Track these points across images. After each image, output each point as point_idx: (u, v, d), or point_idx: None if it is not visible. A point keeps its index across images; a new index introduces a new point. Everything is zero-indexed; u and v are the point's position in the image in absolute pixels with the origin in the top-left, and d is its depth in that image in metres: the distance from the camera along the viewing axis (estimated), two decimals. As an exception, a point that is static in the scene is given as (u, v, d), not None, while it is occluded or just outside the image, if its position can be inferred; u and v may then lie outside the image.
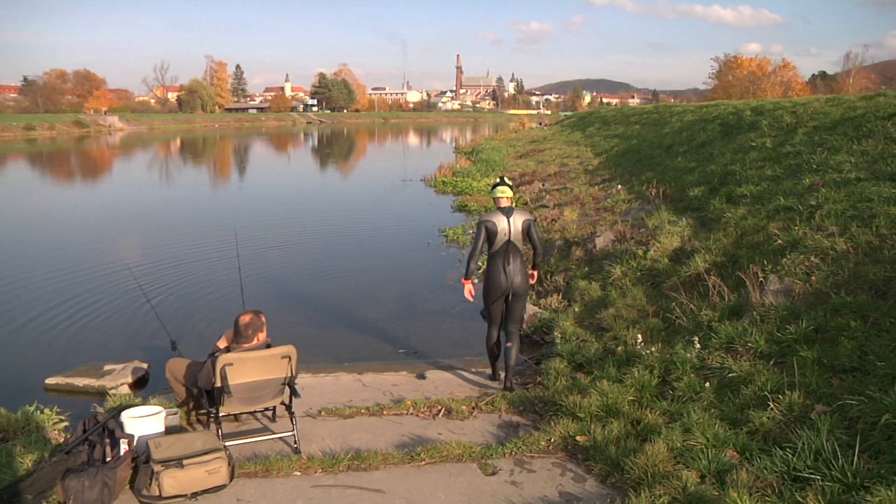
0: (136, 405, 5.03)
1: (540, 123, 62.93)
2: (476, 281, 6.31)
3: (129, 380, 6.54)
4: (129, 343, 7.82)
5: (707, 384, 4.95)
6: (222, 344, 4.91)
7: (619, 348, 6.02)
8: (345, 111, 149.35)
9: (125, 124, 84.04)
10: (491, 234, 5.93)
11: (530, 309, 7.89)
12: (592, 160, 20.86)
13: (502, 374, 6.17)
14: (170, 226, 15.78)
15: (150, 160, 39.62)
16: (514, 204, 6.16)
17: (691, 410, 4.60)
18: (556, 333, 6.97)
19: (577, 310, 7.64)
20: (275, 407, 5.14)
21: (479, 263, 8.44)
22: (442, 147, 52.16)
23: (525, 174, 21.60)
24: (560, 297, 8.31)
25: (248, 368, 4.56)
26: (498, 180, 6.11)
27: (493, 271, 5.98)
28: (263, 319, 4.86)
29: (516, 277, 5.94)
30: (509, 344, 6.05)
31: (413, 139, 70.74)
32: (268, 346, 4.79)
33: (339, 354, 7.45)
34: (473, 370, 6.73)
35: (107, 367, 6.79)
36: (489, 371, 6.52)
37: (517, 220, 5.95)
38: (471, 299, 6.28)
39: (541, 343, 7.32)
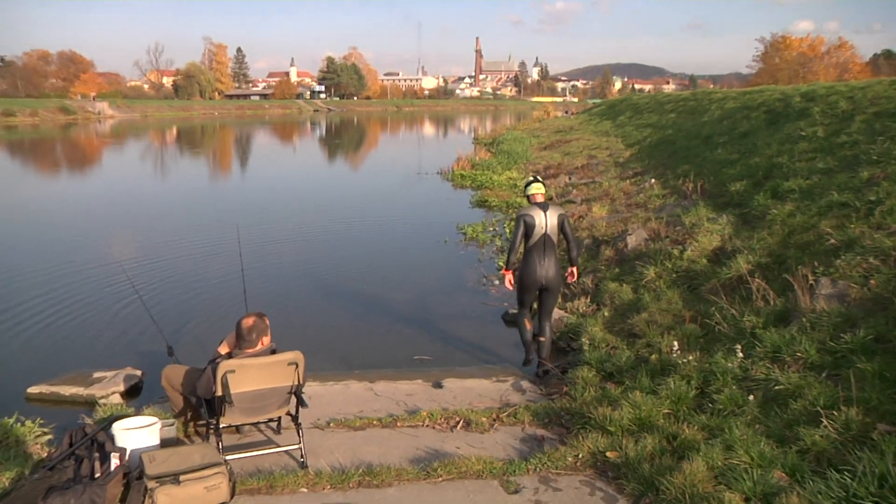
0: (129, 416, 5.05)
1: (566, 112, 62.69)
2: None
3: (121, 388, 6.54)
4: (122, 348, 7.87)
5: (751, 397, 4.89)
6: (223, 349, 4.92)
7: (653, 356, 5.99)
8: (355, 98, 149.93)
9: (116, 111, 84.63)
10: (529, 228, 6.67)
11: (556, 313, 7.88)
12: (623, 152, 20.75)
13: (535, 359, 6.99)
14: (166, 221, 15.91)
15: (143, 150, 40.01)
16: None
17: (733, 426, 4.55)
18: (583, 340, 6.97)
19: (606, 314, 7.63)
20: (280, 418, 5.15)
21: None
22: (460, 137, 52.19)
23: (550, 167, 21.52)
24: (588, 300, 8.30)
25: (252, 376, 4.57)
26: (531, 178, 6.97)
27: (530, 264, 6.77)
28: (267, 322, 4.87)
29: (550, 271, 6.75)
30: (542, 338, 6.91)
31: (428, 129, 70.84)
32: (273, 351, 4.80)
33: (349, 361, 7.47)
34: (495, 379, 6.72)
35: (96, 375, 6.78)
36: (511, 380, 6.61)
37: (553, 215, 6.73)
38: (510, 288, 7.13)
39: (567, 350, 7.31)
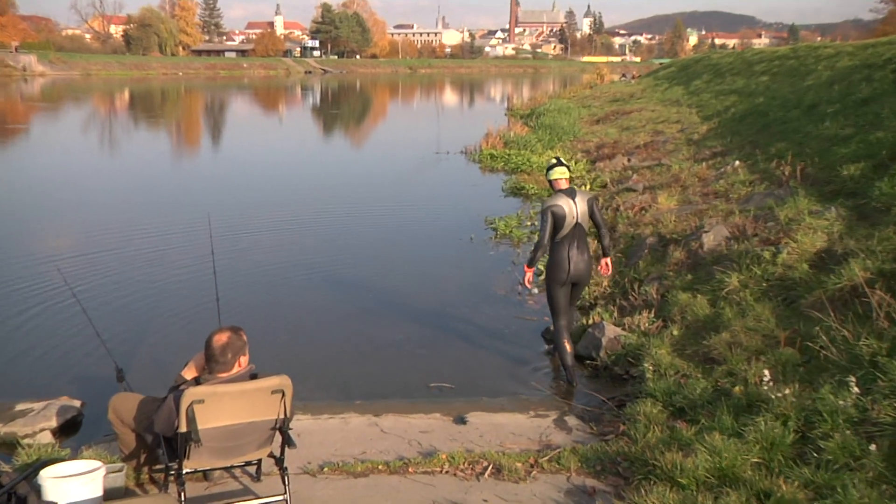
0: (62, 460, 5.02)
1: (625, 75, 62.44)
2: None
3: (54, 423, 6.51)
4: (55, 371, 7.89)
5: (872, 446, 4.81)
6: (189, 373, 4.92)
7: (737, 388, 5.95)
8: (357, 57, 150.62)
9: (48, 67, 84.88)
10: (559, 220, 7.19)
11: (610, 331, 7.91)
12: (699, 126, 20.61)
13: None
14: (115, 209, 16.07)
15: (85, 119, 40.40)
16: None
17: (849, 484, 4.48)
18: (646, 365, 6.94)
19: (675, 333, 7.59)
20: (260, 460, 5.15)
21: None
22: (490, 108, 52.19)
23: (603, 146, 21.43)
24: (652, 314, 8.25)
25: (226, 407, 4.57)
26: (554, 161, 7.52)
27: (559, 258, 7.35)
28: (245, 339, 4.86)
29: (581, 264, 7.36)
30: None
31: (450, 96, 70.94)
32: (253, 376, 4.79)
33: (348, 389, 7.47)
34: (532, 413, 6.69)
35: (19, 407, 6.71)
36: (553, 415, 6.62)
37: (581, 202, 7.29)
38: (528, 286, 7.83)
39: (625, 378, 7.29)
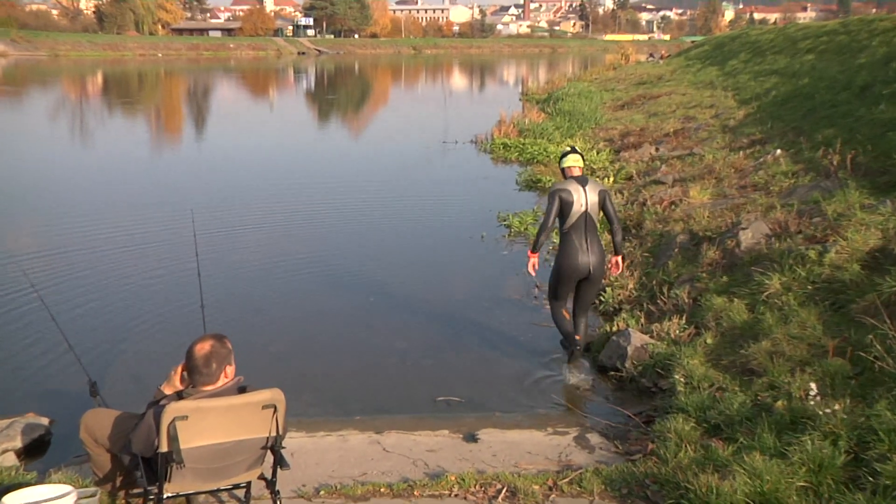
0: (29, 484, 5.02)
1: (652, 55, 62.48)
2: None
3: (18, 444, 6.50)
4: (20, 385, 7.89)
5: (936, 469, 4.78)
6: (170, 387, 4.91)
7: (779, 403, 5.93)
8: (356, 36, 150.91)
9: (9, 47, 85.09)
10: (566, 206, 7.64)
11: (637, 339, 7.91)
12: (735, 111, 20.57)
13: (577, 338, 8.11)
14: (88, 205, 16.10)
15: (53, 105, 40.43)
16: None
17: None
18: (676, 377, 6.94)
19: (709, 341, 7.58)
20: (249, 483, 5.13)
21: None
22: (502, 92, 52.25)
23: (628, 134, 21.41)
24: (683, 320, 8.24)
25: (212, 424, 4.55)
26: (568, 149, 8.02)
27: (570, 249, 7.75)
28: (230, 347, 4.84)
29: (594, 258, 7.76)
30: (578, 336, 8.05)
31: (459, 80, 70.98)
32: (242, 389, 4.78)
33: (347, 403, 7.48)
34: (551, 430, 6.69)
35: (-20, 425, 6.75)
36: (574, 432, 6.65)
37: (592, 192, 7.71)
38: (532, 274, 8.14)
39: (653, 391, 7.28)
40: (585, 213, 7.67)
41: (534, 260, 7.99)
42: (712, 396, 6.39)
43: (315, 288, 10.98)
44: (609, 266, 8.26)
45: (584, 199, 7.65)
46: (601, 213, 7.88)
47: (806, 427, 5.49)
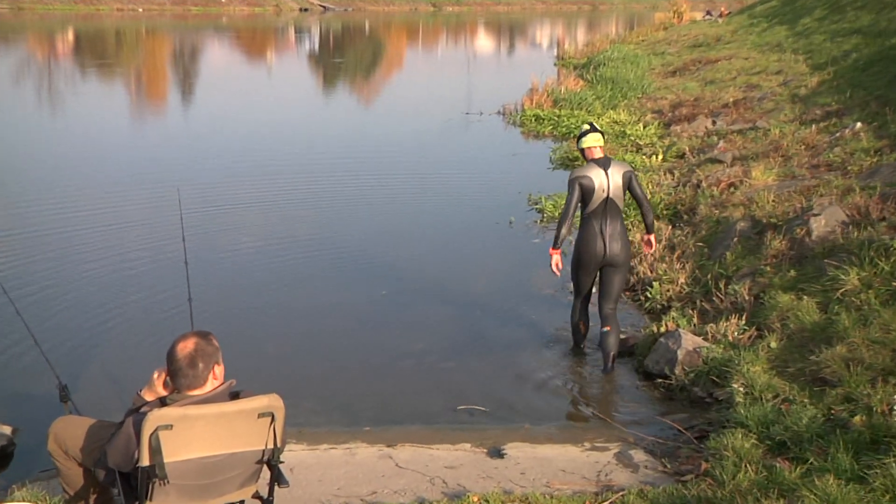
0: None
1: (710, 13, 61.95)
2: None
3: (-22, 455, 6.57)
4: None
5: None
6: (150, 394, 4.90)
7: (857, 418, 5.89)
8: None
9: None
10: (587, 192, 7.92)
11: (689, 342, 7.88)
12: (807, 77, 20.41)
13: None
14: (58, 182, 16.11)
15: (17, 65, 40.47)
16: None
17: None
18: (735, 386, 6.91)
19: (773, 345, 7.54)
20: (242, 502, 5.14)
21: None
22: (534, 56, 52.00)
23: (681, 104, 21.29)
24: (742, 321, 8.22)
25: (200, 434, 4.55)
26: (587, 127, 8.21)
27: (588, 235, 8.09)
28: (216, 345, 4.83)
29: (615, 243, 8.03)
30: (606, 328, 8.16)
31: (484, 42, 70.73)
32: (234, 395, 4.79)
33: (355, 412, 7.50)
34: (588, 444, 6.70)
35: (-68, 435, 6.76)
36: (615, 447, 6.65)
37: (616, 173, 7.95)
38: (557, 273, 8.34)
39: (707, 402, 7.26)
40: (607, 199, 7.95)
41: (556, 258, 8.20)
42: (777, 409, 6.35)
43: (319, 278, 11.03)
44: (642, 244, 8.96)
45: (606, 183, 7.90)
46: (627, 196, 8.17)
47: (889, 447, 5.45)
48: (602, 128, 19.62)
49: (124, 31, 69.86)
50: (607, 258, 8.06)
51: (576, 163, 17.25)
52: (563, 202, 13.65)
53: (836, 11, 29.08)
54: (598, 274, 8.31)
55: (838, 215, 9.46)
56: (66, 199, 14.72)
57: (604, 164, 7.96)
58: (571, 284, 8.74)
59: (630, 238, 9.26)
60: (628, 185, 8.03)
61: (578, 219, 8.27)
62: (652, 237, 8.67)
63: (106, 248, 11.93)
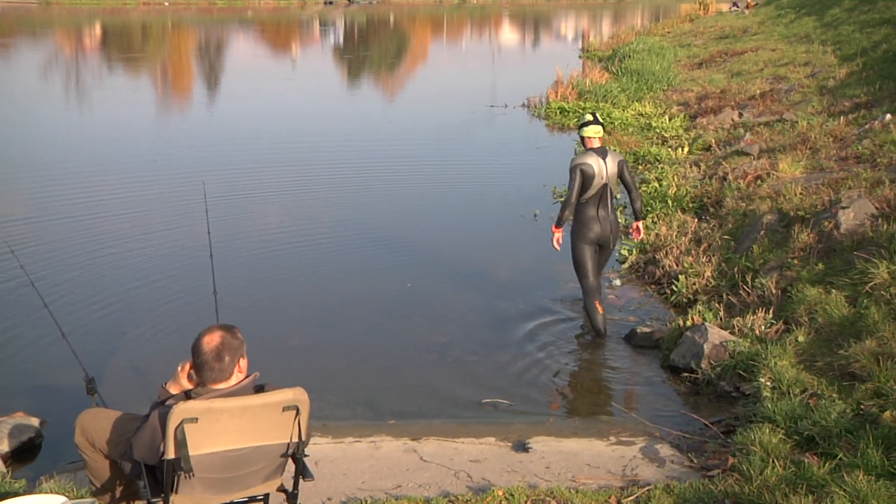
0: (17, 494, 5.03)
1: (736, 4, 61.47)
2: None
3: (6, 447, 6.57)
4: (7, 380, 7.96)
5: None
6: (175, 387, 4.90)
7: (887, 414, 5.85)
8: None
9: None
10: (587, 179, 8.63)
11: (715, 335, 7.86)
12: (835, 69, 20.26)
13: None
14: (84, 175, 16.18)
15: (46, 60, 40.68)
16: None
17: None
18: (762, 380, 6.89)
19: (801, 339, 7.51)
20: (268, 495, 5.12)
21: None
22: (559, 48, 51.87)
23: (707, 97, 21.20)
24: (770, 314, 8.18)
25: (225, 427, 4.55)
26: (589, 117, 8.94)
27: (586, 217, 8.81)
28: (241, 338, 4.82)
29: (607, 224, 8.83)
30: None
31: (509, 34, 70.66)
32: (259, 388, 4.78)
33: (379, 405, 7.51)
34: (613, 439, 6.69)
35: (-38, 426, 6.79)
36: (641, 442, 6.64)
37: (612, 162, 8.72)
38: (558, 248, 9.08)
39: (734, 396, 7.23)
40: (604, 185, 8.70)
41: (558, 235, 9.02)
42: (805, 404, 6.31)
43: (344, 270, 11.03)
44: (631, 232, 9.57)
45: (604, 171, 8.65)
46: (619, 183, 8.91)
47: (920, 443, 5.41)
48: (628, 120, 19.95)
49: (150, 25, 70.19)
50: (602, 239, 8.84)
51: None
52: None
53: (866, 2, 28.85)
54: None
55: (867, 208, 9.39)
56: (92, 190, 14.79)
57: (601, 153, 8.72)
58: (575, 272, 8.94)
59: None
60: (620, 174, 8.77)
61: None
62: (640, 224, 9.30)
63: (132, 240, 11.98)
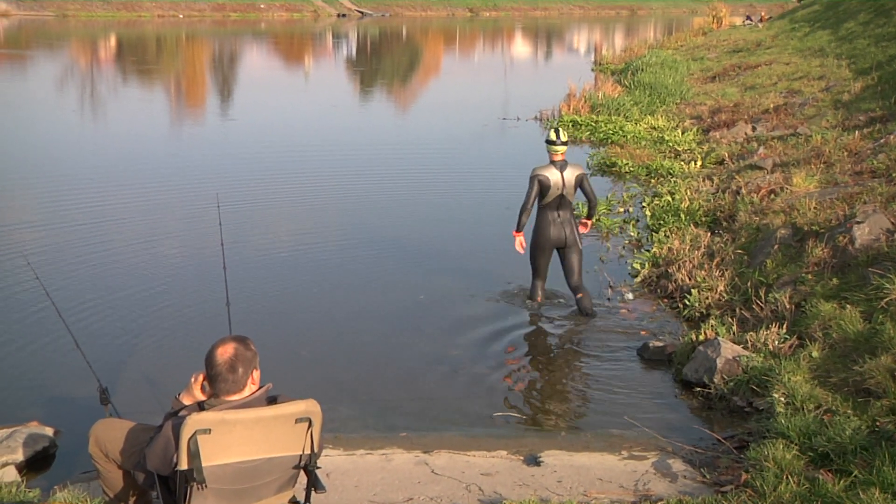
0: (31, 503, 5.06)
1: (750, 18, 61.70)
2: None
3: (20, 456, 6.56)
4: (22, 391, 7.98)
5: None
6: (188, 398, 4.92)
7: (903, 430, 5.84)
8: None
9: (13, 6, 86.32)
10: (544, 188, 9.46)
11: (728, 350, 7.84)
12: (850, 83, 20.23)
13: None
14: (98, 186, 16.23)
15: (61, 72, 40.86)
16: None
17: None
18: (776, 396, 6.87)
19: (815, 354, 7.48)
20: (279, 507, 5.15)
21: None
22: (572, 61, 51.88)
23: (720, 110, 21.19)
24: (783, 329, 8.15)
25: (238, 439, 4.56)
26: (553, 136, 9.63)
27: (544, 223, 9.65)
28: (254, 349, 4.83)
29: (566, 228, 9.65)
30: (579, 295, 9.77)
31: (521, 47, 70.75)
32: (272, 399, 4.79)
33: (391, 417, 7.51)
34: (626, 453, 6.68)
35: (-24, 436, 6.81)
36: (653, 456, 6.64)
37: (570, 175, 9.53)
38: (521, 251, 9.91)
39: (747, 411, 7.22)
40: (561, 195, 9.52)
41: (520, 239, 9.89)
42: (819, 420, 6.30)
43: (356, 283, 11.04)
44: (579, 225, 10.02)
45: (561, 182, 9.47)
46: (576, 193, 9.74)
47: (938, 461, 5.40)
48: (640, 134, 19.97)
49: (165, 37, 70.51)
50: (559, 240, 9.65)
51: (613, 168, 17.29)
52: (602, 209, 13.99)
53: (882, 15, 28.82)
54: (559, 256, 9.83)
55: (882, 223, 9.36)
56: (106, 201, 14.85)
57: (561, 166, 9.53)
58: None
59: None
60: (580, 185, 9.62)
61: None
62: (588, 222, 10.23)
63: (142, 252, 12.01)
